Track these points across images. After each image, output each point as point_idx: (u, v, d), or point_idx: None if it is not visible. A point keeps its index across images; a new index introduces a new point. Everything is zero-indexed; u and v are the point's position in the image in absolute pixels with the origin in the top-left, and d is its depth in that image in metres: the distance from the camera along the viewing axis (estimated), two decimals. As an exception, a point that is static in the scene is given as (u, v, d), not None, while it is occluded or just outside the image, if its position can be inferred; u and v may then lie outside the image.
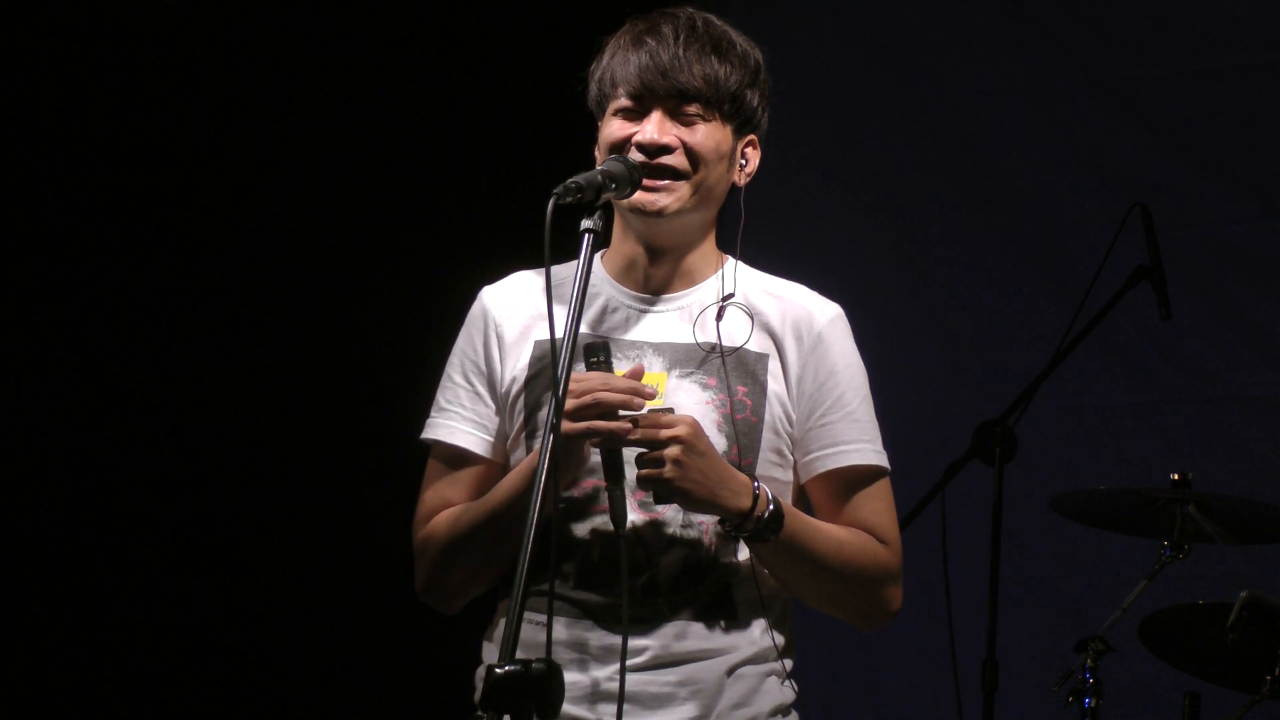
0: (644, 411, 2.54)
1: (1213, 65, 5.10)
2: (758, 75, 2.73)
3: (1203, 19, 5.12)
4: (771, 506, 2.57)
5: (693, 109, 2.67)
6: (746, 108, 2.72)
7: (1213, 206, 5.07)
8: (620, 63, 2.69)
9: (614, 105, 2.70)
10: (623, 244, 2.76)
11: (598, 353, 2.55)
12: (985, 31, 5.32)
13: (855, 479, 2.71)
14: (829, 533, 2.66)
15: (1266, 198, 5.04)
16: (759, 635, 2.68)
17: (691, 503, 2.55)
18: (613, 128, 2.70)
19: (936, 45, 5.37)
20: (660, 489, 2.53)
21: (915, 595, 4.94)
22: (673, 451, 2.50)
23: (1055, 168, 5.22)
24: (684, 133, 2.67)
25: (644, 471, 2.51)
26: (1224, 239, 5.06)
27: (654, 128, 2.66)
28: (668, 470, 2.51)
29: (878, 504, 2.72)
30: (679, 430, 2.52)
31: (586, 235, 2.50)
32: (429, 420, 2.79)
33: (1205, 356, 5.04)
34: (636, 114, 2.68)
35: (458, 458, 2.75)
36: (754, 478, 2.60)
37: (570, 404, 2.48)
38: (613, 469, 2.52)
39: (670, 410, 2.58)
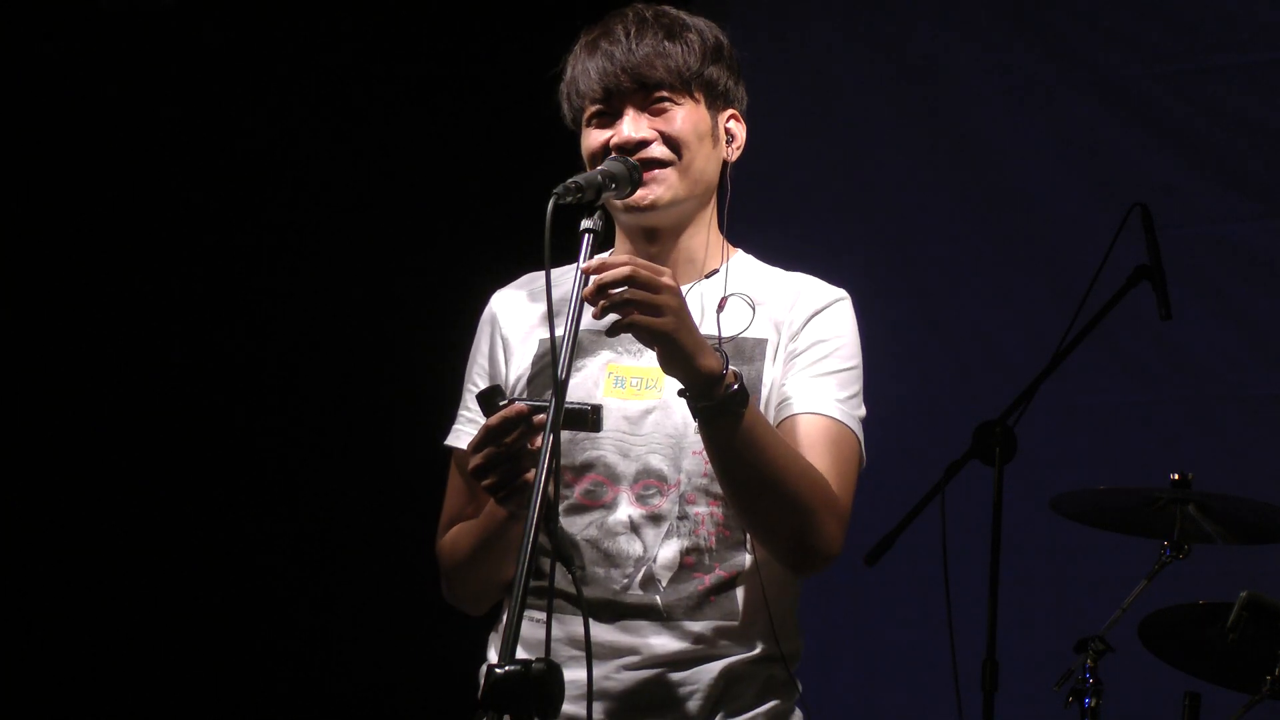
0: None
1: (1213, 65, 5.10)
2: (720, 50, 2.74)
3: (1203, 19, 5.12)
4: (737, 385, 2.47)
5: (661, 96, 2.68)
6: (715, 84, 2.72)
7: (1213, 206, 5.06)
8: (581, 73, 2.70)
9: (586, 115, 2.71)
10: (623, 242, 2.78)
11: (494, 397, 2.43)
12: (985, 31, 5.32)
13: (814, 429, 2.63)
14: (785, 443, 2.57)
15: (1266, 198, 5.04)
16: (760, 634, 2.66)
17: (675, 353, 2.42)
18: (590, 139, 2.71)
19: (937, 45, 5.37)
20: (651, 336, 2.41)
21: (915, 595, 4.95)
22: (672, 302, 2.40)
23: (1055, 168, 5.21)
24: (659, 122, 2.68)
25: (639, 318, 2.38)
26: (1224, 239, 5.05)
27: (628, 126, 2.67)
28: (666, 320, 2.39)
29: (834, 455, 2.62)
30: (672, 282, 2.42)
31: (586, 235, 2.49)
32: None
33: (1205, 356, 5.04)
34: (610, 116, 2.69)
35: (465, 462, 2.74)
36: None
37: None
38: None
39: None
